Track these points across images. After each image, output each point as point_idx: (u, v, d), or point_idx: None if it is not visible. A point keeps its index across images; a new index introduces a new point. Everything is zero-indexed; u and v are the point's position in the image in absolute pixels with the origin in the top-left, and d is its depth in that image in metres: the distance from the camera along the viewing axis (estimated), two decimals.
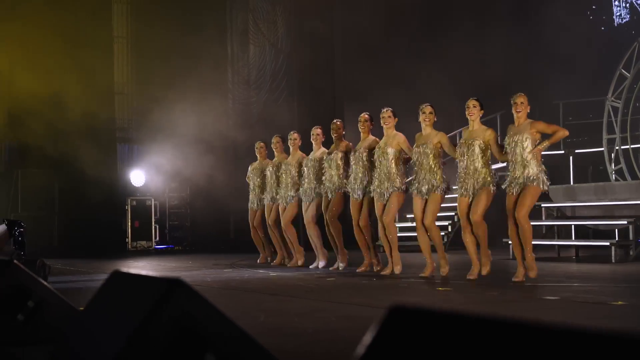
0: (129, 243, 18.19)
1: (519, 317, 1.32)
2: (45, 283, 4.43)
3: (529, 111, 8.00)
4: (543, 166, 7.91)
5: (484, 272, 8.24)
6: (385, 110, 9.29)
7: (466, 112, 8.34)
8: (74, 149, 17.11)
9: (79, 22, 17.65)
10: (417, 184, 8.69)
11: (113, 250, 17.55)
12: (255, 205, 11.99)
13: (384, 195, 9.06)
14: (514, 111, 8.04)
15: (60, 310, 4.32)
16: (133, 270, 10.95)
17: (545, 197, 12.86)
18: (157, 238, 18.69)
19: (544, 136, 8.00)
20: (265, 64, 19.70)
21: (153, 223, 18.46)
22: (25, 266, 7.09)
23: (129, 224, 18.25)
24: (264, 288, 7.85)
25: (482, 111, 8.35)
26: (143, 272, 9.65)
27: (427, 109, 8.74)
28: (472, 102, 8.30)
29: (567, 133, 8.06)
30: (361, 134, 9.77)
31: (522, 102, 7.94)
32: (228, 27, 20.16)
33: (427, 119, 8.70)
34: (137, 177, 18.88)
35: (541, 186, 7.86)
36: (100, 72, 18.41)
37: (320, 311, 5.74)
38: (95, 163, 17.80)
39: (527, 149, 7.79)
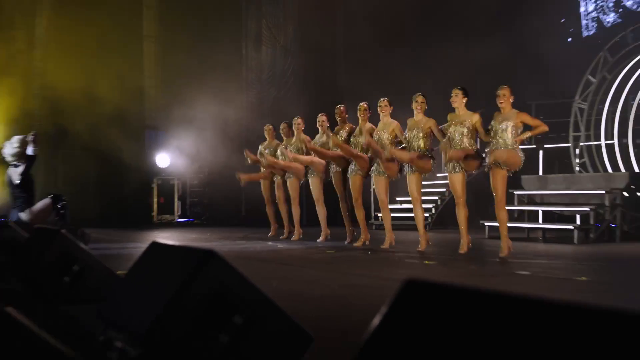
0: (155, 216, 18.26)
1: (523, 292, 1.32)
2: (87, 250, 4.43)
3: (512, 101, 7.96)
4: (521, 152, 7.89)
5: (463, 249, 8.25)
6: (382, 100, 9.28)
7: (451, 99, 8.31)
8: (108, 135, 17.13)
9: (113, 23, 17.64)
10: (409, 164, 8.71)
11: (141, 222, 17.59)
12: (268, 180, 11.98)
13: (382, 174, 9.09)
14: (498, 102, 8.02)
15: (100, 274, 4.33)
16: (160, 240, 10.98)
17: (517, 185, 12.92)
18: (179, 212, 18.75)
19: (526, 127, 8.00)
20: (275, 63, 19.69)
21: (176, 199, 18.53)
22: (69, 234, 7.12)
23: (155, 200, 18.30)
24: (275, 258, 7.88)
25: (466, 98, 8.29)
26: (170, 242, 9.67)
27: (419, 97, 8.73)
28: (454, 91, 8.28)
29: (547, 129, 8.07)
30: (360, 121, 9.76)
31: (504, 94, 7.92)
32: (243, 32, 20.15)
33: (418, 107, 8.68)
34: (163, 159, 18.91)
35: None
36: (132, 68, 18.40)
37: (325, 279, 5.76)
38: (126, 147, 17.83)
39: (511, 134, 7.77)
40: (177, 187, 18.59)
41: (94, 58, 16.95)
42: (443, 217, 14.64)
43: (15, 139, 8.94)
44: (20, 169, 8.59)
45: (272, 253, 8.67)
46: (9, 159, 8.76)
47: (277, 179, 11.52)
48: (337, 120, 10.35)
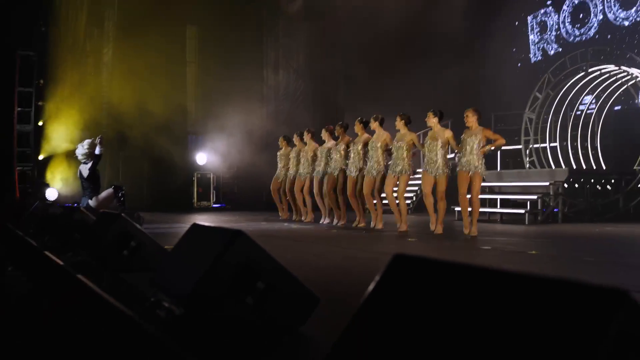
0: (195, 203, 18.25)
1: (486, 264, 1.27)
2: (142, 229, 4.39)
3: (476, 119, 7.89)
4: (483, 160, 7.85)
5: (439, 231, 8.20)
6: (375, 116, 9.23)
7: (427, 120, 8.28)
8: (158, 140, 17.14)
9: (162, 51, 17.64)
10: (393, 167, 8.66)
11: (184, 207, 17.59)
12: (280, 178, 11.90)
13: (373, 174, 9.02)
14: (465, 121, 7.96)
15: (152, 248, 4.29)
16: (200, 222, 10.95)
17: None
18: (214, 199, 18.73)
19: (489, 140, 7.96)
20: (289, 84, 19.66)
21: (212, 189, 18.51)
22: (127, 217, 7.08)
23: (195, 190, 18.28)
24: (290, 236, 7.81)
25: (436, 118, 8.24)
26: (206, 223, 9.65)
27: (402, 116, 8.69)
28: (430, 114, 8.24)
29: (504, 142, 8.00)
30: (358, 132, 9.70)
31: (467, 115, 7.88)
32: (264, 59, 20.14)
33: (400, 124, 8.66)
34: (201, 158, 18.89)
35: (482, 175, 7.83)
36: (176, 86, 18.44)
37: (330, 253, 5.71)
38: (172, 149, 17.84)
39: (476, 147, 7.73)
40: (212, 179, 18.58)
41: (146, 79, 16.94)
42: (421, 203, 14.60)
43: (86, 142, 8.91)
44: (90, 165, 8.56)
45: (288, 232, 8.62)
46: (80, 157, 8.74)
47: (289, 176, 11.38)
48: (337, 134, 10.24)
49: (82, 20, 17.55)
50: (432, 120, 8.21)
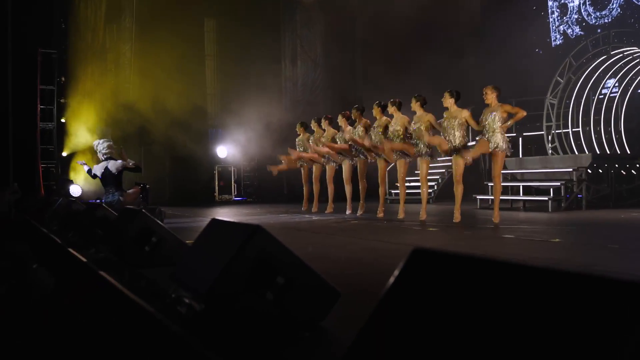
0: (216, 196, 18.32)
1: (522, 260, 1.23)
2: (162, 225, 4.40)
3: (495, 96, 7.78)
4: (506, 137, 7.75)
5: (457, 219, 8.12)
6: (393, 100, 9.14)
7: (443, 100, 8.19)
8: (179, 132, 17.22)
9: (181, 45, 17.68)
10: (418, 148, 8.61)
11: (206, 201, 17.68)
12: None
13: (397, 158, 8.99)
14: (484, 98, 7.88)
15: (173, 244, 4.29)
16: (221, 215, 10.98)
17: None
18: (236, 192, 18.78)
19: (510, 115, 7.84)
20: (307, 74, 19.60)
21: (233, 183, 18.56)
22: (149, 212, 7.12)
23: (217, 183, 18.35)
24: (311, 228, 7.75)
25: (453, 99, 8.12)
26: (226, 218, 9.71)
27: (418, 98, 8.63)
28: (446, 94, 8.13)
29: (525, 113, 7.83)
30: (376, 116, 9.57)
31: (486, 93, 7.79)
32: (282, 50, 20.09)
33: (415, 106, 8.61)
34: (222, 151, 18.94)
35: (507, 152, 7.73)
36: (197, 80, 18.52)
37: (350, 244, 5.68)
38: (193, 142, 17.91)
39: (497, 122, 7.64)
40: (233, 172, 18.64)
41: (166, 73, 17.01)
42: (443, 192, 14.51)
43: (105, 143, 8.91)
44: (120, 163, 8.59)
45: (308, 224, 8.57)
46: (104, 155, 8.75)
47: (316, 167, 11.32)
48: (354, 118, 10.16)
49: (101, 17, 17.67)
50: (449, 101, 8.10)
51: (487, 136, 7.67)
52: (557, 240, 5.72)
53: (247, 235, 2.48)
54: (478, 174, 14.22)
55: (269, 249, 2.50)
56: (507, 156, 7.93)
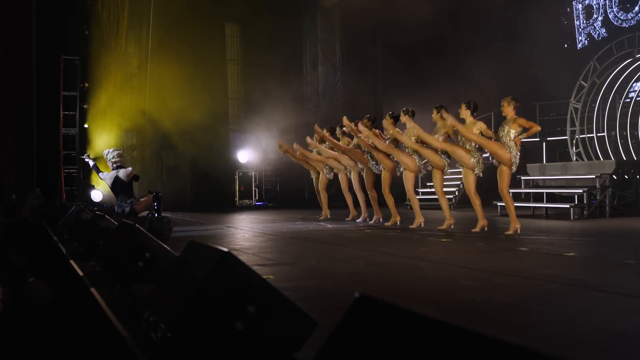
0: (237, 201, 18.27)
1: (468, 323, 1.08)
2: (156, 240, 4.29)
3: (512, 108, 7.61)
4: (519, 148, 7.54)
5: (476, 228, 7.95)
6: (405, 109, 8.96)
7: (460, 111, 8.01)
8: (200, 138, 17.25)
9: (204, 50, 17.75)
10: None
11: (226, 205, 17.67)
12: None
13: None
14: (502, 110, 7.74)
15: (168, 259, 4.20)
16: (235, 222, 10.90)
17: (523, 172, 12.46)
18: (257, 197, 18.72)
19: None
20: (328, 78, 19.48)
21: (253, 187, 18.49)
22: (156, 222, 7.05)
23: (237, 188, 18.31)
24: (321, 238, 7.57)
25: (469, 110, 7.94)
26: (241, 225, 9.56)
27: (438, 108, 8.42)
28: (463, 105, 7.97)
29: (539, 129, 7.64)
30: (387, 127, 9.38)
31: (503, 105, 7.63)
32: (304, 54, 20.02)
33: (436, 116, 8.40)
34: (243, 156, 18.92)
35: (512, 168, 7.52)
36: (218, 84, 18.56)
37: (356, 258, 5.51)
38: (215, 146, 17.94)
39: (510, 136, 7.46)
40: (254, 177, 18.57)
41: (187, 79, 17.06)
42: (465, 197, 14.24)
43: (115, 152, 8.88)
44: (129, 170, 8.56)
45: (320, 232, 8.42)
46: (114, 164, 8.74)
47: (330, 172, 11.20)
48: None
49: (123, 23, 17.78)
50: (465, 112, 7.93)
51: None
52: (572, 254, 5.48)
53: (216, 262, 2.36)
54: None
55: (240, 276, 2.38)
56: (512, 171, 7.66)
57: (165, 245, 4.37)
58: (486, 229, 7.95)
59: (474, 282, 4.04)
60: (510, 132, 7.48)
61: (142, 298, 3.58)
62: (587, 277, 4.20)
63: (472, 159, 7.77)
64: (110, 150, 8.85)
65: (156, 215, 8.36)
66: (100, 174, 8.95)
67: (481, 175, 7.88)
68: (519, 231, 7.52)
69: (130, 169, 8.73)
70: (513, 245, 6.46)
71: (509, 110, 7.58)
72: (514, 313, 3.25)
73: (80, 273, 5.00)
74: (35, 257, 6.16)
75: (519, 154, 7.47)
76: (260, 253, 5.90)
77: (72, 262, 5.60)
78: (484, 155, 8.18)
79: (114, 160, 8.67)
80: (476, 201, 7.96)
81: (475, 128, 7.74)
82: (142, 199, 8.78)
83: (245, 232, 8.73)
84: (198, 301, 2.35)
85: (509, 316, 3.17)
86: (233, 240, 7.46)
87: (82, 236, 6.13)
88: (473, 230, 7.91)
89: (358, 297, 1.38)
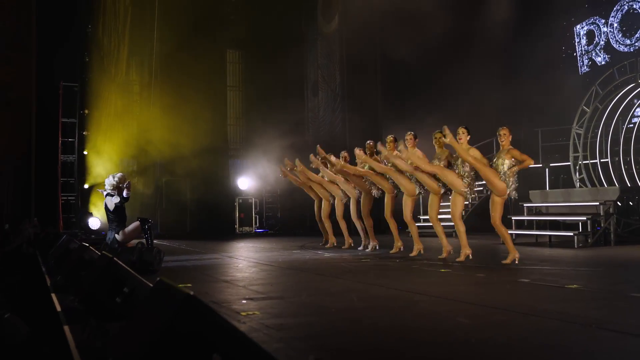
0: (237, 228, 18.04)
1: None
2: (135, 274, 4.05)
3: (511, 139, 7.44)
4: (515, 178, 7.32)
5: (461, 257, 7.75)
6: (408, 133, 8.78)
7: (457, 136, 7.80)
8: (200, 164, 17.12)
9: (204, 77, 17.72)
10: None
11: (226, 233, 17.45)
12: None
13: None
14: (499, 139, 7.55)
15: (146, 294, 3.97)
16: (232, 250, 10.66)
17: (526, 199, 12.21)
18: (257, 224, 18.49)
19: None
20: (328, 104, 19.36)
21: (253, 214, 18.28)
22: (146, 253, 6.81)
23: (237, 215, 18.08)
24: (316, 269, 7.28)
25: (469, 136, 7.76)
26: (237, 253, 9.28)
27: (438, 134, 8.20)
28: (464, 129, 7.77)
29: (532, 162, 7.40)
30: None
31: (503, 134, 7.44)
32: (304, 79, 19.98)
33: (437, 142, 8.20)
34: (243, 183, 18.73)
35: (507, 198, 7.32)
36: (217, 111, 18.49)
37: (349, 291, 5.25)
38: (214, 173, 17.79)
39: (505, 167, 7.27)
40: (254, 204, 18.35)
41: (188, 106, 17.01)
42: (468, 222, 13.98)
43: (118, 175, 8.69)
44: (115, 199, 8.35)
45: (315, 263, 8.12)
46: (107, 188, 8.55)
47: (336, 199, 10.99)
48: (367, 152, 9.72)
49: (124, 51, 17.76)
50: (464, 137, 7.73)
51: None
52: (575, 286, 5.22)
53: (177, 306, 2.14)
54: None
55: (204, 322, 2.15)
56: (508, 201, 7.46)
57: (144, 280, 4.15)
58: (470, 257, 7.73)
59: (471, 320, 3.79)
60: (505, 163, 7.30)
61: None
62: (592, 313, 3.95)
63: (462, 184, 7.60)
64: (114, 175, 8.62)
65: (149, 244, 8.13)
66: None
67: (469, 201, 7.70)
68: (517, 261, 7.28)
69: (115, 198, 8.46)
70: (514, 276, 6.19)
71: (506, 140, 7.40)
72: (513, 355, 3.01)
73: (58, 308, 4.77)
74: (17, 289, 5.94)
75: (514, 184, 7.25)
76: (251, 285, 5.65)
77: (53, 295, 5.38)
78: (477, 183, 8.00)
79: (107, 188, 8.47)
80: (460, 228, 7.79)
81: (470, 152, 7.55)
82: (128, 229, 8.51)
83: (240, 261, 8.49)
84: (158, 350, 2.12)
85: (507, 359, 2.93)
86: (225, 270, 7.22)
87: (66, 268, 5.91)
88: (457, 259, 7.70)
89: None
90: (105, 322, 3.87)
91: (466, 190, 7.59)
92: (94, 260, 5.22)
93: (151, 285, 4.05)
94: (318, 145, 10.93)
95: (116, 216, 8.33)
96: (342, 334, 3.50)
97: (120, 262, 4.19)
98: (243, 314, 4.08)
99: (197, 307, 2.14)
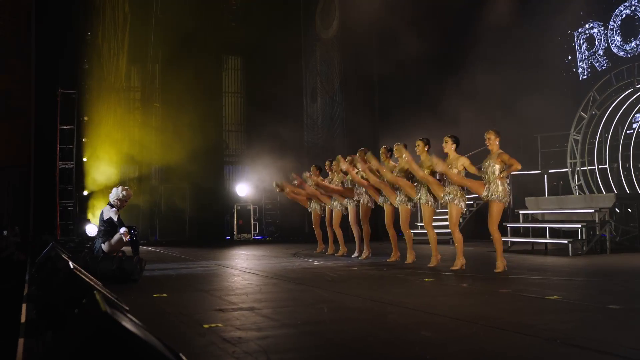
0: (236, 235, 17.97)
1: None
2: (98, 285, 3.98)
3: (498, 143, 7.34)
4: (506, 184, 7.24)
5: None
6: (396, 144, 8.71)
7: (444, 146, 7.72)
8: (199, 171, 17.09)
9: (201, 82, 17.71)
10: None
11: (224, 240, 17.37)
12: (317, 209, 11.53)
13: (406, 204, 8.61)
14: (486, 143, 7.46)
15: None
16: (224, 258, 10.56)
17: (522, 205, 12.08)
18: (257, 231, 18.42)
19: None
20: (327, 110, 19.30)
21: (252, 221, 18.21)
22: (126, 261, 6.73)
23: (236, 222, 18.02)
24: (299, 278, 7.14)
25: (454, 145, 7.68)
26: (231, 260, 9.17)
27: (420, 142, 8.14)
28: (448, 138, 7.69)
29: (520, 167, 7.26)
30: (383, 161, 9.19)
31: (488, 137, 7.33)
32: (304, 87, 19.92)
33: (420, 151, 8.14)
34: (242, 189, 18.68)
35: (504, 202, 7.22)
36: (215, 116, 18.47)
37: (324, 302, 5.15)
38: (212, 180, 17.75)
39: (495, 172, 7.19)
40: (252, 211, 18.28)
41: (186, 112, 17.00)
42: (465, 229, 13.84)
43: (125, 192, 8.63)
44: (113, 214, 8.28)
45: (302, 271, 7.96)
46: (111, 198, 8.52)
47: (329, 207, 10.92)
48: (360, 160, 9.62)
49: (123, 58, 17.77)
50: (450, 147, 7.65)
51: (486, 185, 7.24)
52: (555, 297, 5.10)
53: (96, 327, 2.04)
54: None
55: (120, 342, 2.05)
56: (504, 206, 7.35)
57: (107, 292, 4.07)
58: (464, 267, 7.65)
59: (435, 333, 3.68)
60: (495, 168, 7.20)
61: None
62: (561, 326, 3.83)
63: (445, 195, 7.54)
64: (119, 189, 8.56)
65: (134, 252, 8.07)
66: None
67: (464, 209, 7.64)
68: (502, 269, 7.21)
69: (113, 210, 8.39)
70: (497, 286, 6.07)
71: (494, 144, 7.30)
72: None
73: (23, 319, 4.70)
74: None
75: (504, 189, 7.16)
76: (227, 295, 5.57)
77: (23, 305, 5.31)
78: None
79: (116, 197, 8.43)
80: (457, 236, 7.73)
81: (458, 163, 7.47)
82: (114, 239, 8.40)
83: (226, 269, 8.41)
84: None
85: None
86: (208, 279, 7.13)
87: (41, 277, 5.85)
88: (451, 268, 7.66)
89: None
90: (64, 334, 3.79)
91: (452, 201, 7.50)
92: (65, 270, 5.17)
93: (111, 297, 3.98)
94: (339, 156, 10.34)
95: (107, 226, 8.27)
96: (298, 350, 3.41)
97: (83, 273, 4.13)
98: (205, 326, 3.99)
99: (112, 329, 2.05)
